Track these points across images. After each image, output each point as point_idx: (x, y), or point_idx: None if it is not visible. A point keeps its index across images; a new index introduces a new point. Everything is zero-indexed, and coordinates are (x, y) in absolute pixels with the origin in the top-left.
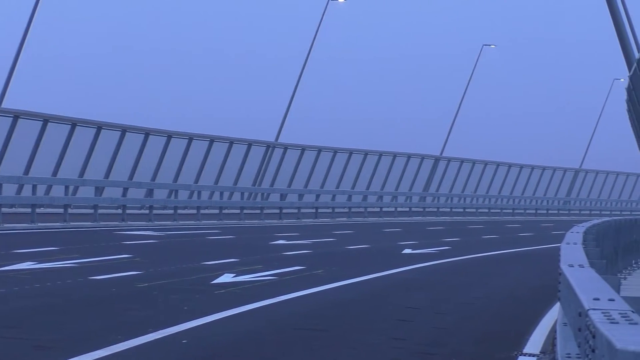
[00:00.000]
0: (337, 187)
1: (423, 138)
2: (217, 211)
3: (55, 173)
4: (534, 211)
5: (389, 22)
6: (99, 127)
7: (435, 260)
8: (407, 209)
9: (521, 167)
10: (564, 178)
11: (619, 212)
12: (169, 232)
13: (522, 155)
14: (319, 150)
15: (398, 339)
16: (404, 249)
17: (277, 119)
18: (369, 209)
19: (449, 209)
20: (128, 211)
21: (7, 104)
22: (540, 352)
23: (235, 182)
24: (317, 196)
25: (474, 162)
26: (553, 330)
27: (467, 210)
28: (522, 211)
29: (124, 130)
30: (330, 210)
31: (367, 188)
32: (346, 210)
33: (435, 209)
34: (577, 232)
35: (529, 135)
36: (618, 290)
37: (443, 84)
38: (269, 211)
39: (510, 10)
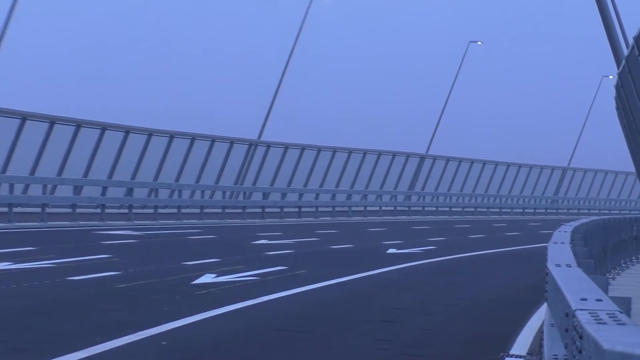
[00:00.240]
0: (321, 185)
1: (408, 136)
2: (198, 210)
3: (33, 172)
4: (521, 210)
5: (374, 19)
6: (78, 125)
7: (420, 260)
8: (392, 208)
9: (508, 165)
10: (551, 176)
11: (607, 211)
12: (149, 232)
13: (509, 154)
14: (302, 148)
15: (383, 340)
16: (388, 249)
17: (260, 117)
18: (353, 208)
19: (434, 208)
20: (107, 210)
21: None
22: (528, 354)
23: (217, 181)
24: (301, 195)
25: (460, 161)
26: (540, 331)
27: (453, 209)
28: (509, 210)
29: (103, 128)
30: (313, 209)
31: (352, 187)
32: (330, 209)
33: (420, 208)
34: (565, 232)
35: (516, 133)
36: (606, 290)
37: (429, 81)
38: (251, 210)
39: (497, 7)
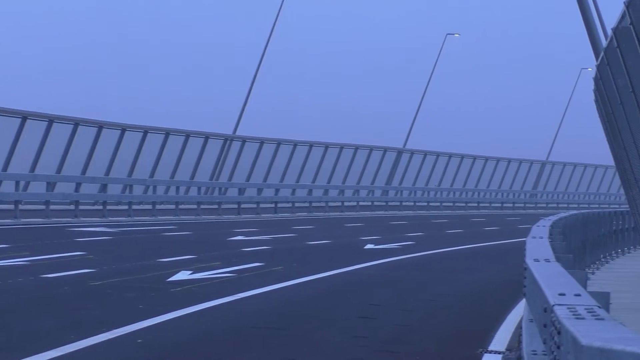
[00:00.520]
0: (297, 181)
1: (386, 130)
2: (173, 206)
3: (5, 168)
4: (499, 205)
5: (350, 12)
6: (51, 120)
7: (398, 256)
8: (370, 203)
9: (486, 159)
10: (530, 170)
11: (587, 205)
12: (124, 229)
13: (487, 147)
14: (278, 143)
15: (360, 337)
16: (366, 245)
17: (235, 111)
18: (330, 204)
19: (412, 203)
20: (81, 207)
21: None
22: (506, 350)
23: (192, 177)
24: (277, 190)
25: (437, 155)
26: (519, 327)
27: (431, 204)
28: (488, 205)
29: (76, 123)
30: (290, 204)
31: (329, 182)
32: (307, 204)
33: (398, 203)
34: (544, 226)
35: (495, 126)
36: (585, 285)
37: (406, 74)
38: (227, 206)
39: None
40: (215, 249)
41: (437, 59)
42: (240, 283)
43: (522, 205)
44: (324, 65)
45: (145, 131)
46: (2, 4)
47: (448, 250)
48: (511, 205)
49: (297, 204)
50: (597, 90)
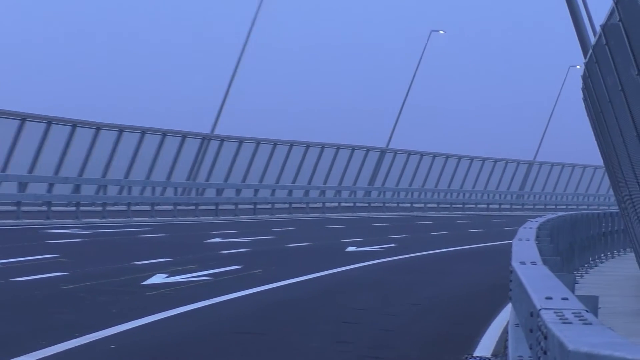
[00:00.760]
0: (277, 181)
1: (368, 129)
2: (148, 208)
3: None
4: (485, 206)
5: (332, 8)
6: (23, 119)
7: (381, 259)
8: (352, 204)
9: (472, 159)
10: (517, 171)
11: (575, 207)
12: (98, 230)
13: (472, 147)
14: (258, 142)
15: (342, 342)
16: (348, 247)
17: (213, 110)
18: (310, 205)
19: (395, 204)
20: (53, 208)
21: None
22: (492, 355)
23: (169, 177)
24: (256, 191)
25: (421, 155)
26: (505, 332)
27: (414, 205)
28: (473, 206)
29: (49, 122)
30: (269, 206)
31: (309, 182)
32: (287, 205)
33: (381, 204)
34: (531, 228)
35: (480, 126)
36: (573, 289)
37: (389, 72)
38: (205, 207)
39: None
40: (192, 251)
41: (421, 56)
42: (218, 287)
43: (508, 206)
44: (304, 62)
45: (120, 130)
46: None
47: (432, 253)
48: (497, 206)
49: (276, 205)
50: (586, 89)
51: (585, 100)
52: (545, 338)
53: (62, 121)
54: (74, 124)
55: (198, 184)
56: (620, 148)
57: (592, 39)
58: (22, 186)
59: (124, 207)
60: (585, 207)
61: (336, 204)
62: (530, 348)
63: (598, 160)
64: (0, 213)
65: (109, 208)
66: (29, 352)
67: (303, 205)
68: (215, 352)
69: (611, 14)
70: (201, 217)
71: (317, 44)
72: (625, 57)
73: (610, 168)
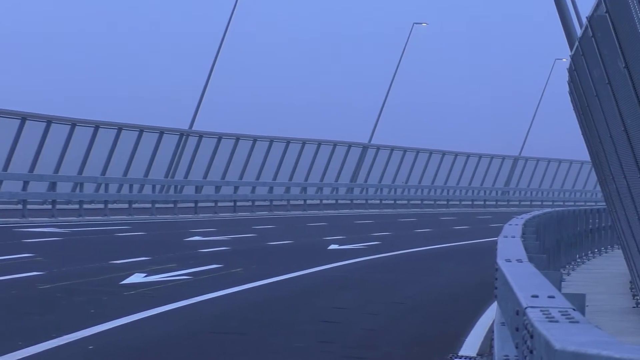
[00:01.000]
0: (258, 178)
1: (350, 124)
2: (126, 205)
3: None
4: (470, 202)
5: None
6: None
7: (364, 257)
8: (334, 202)
9: (456, 155)
10: (502, 166)
11: (561, 203)
12: (74, 229)
13: (456, 143)
14: (237, 138)
15: (325, 342)
16: (330, 245)
17: (192, 105)
18: (292, 202)
19: (378, 201)
20: (29, 206)
21: None
22: (477, 355)
23: (146, 174)
24: (236, 188)
25: (405, 150)
26: (491, 331)
27: (398, 202)
28: (458, 202)
29: (23, 118)
30: (250, 203)
31: (290, 179)
32: (267, 203)
33: (363, 201)
34: (516, 225)
35: (464, 120)
36: (559, 287)
37: (371, 66)
38: (183, 205)
39: None
40: (171, 250)
41: (403, 50)
42: (198, 286)
43: (493, 203)
44: (284, 57)
45: (97, 126)
46: None
47: (416, 251)
48: (482, 203)
49: (257, 203)
50: (572, 82)
51: (571, 93)
52: (532, 337)
53: (36, 117)
54: (49, 120)
55: (176, 181)
56: (608, 142)
57: (579, 31)
58: None
59: (101, 205)
60: (572, 203)
61: (318, 201)
62: (517, 347)
63: (585, 156)
64: None
65: (85, 206)
66: (5, 354)
67: (284, 202)
68: (195, 352)
69: (597, 5)
70: (180, 215)
71: (297, 38)
72: (612, 50)
73: (597, 163)
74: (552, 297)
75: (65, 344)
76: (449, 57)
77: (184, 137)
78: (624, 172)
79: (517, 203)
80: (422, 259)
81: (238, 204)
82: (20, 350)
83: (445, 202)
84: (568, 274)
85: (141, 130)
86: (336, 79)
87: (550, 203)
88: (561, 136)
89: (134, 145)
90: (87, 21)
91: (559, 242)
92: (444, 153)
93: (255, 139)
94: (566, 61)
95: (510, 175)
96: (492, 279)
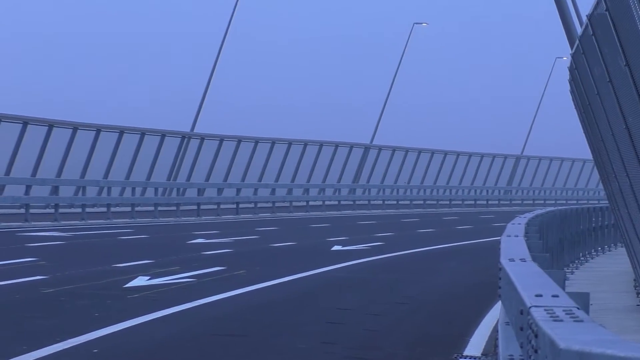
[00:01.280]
0: (260, 180)
1: (352, 125)
2: (129, 209)
3: None
4: (472, 202)
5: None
6: None
7: (367, 257)
8: (336, 203)
9: (458, 154)
10: (504, 165)
11: (564, 201)
12: (77, 233)
13: (459, 142)
14: (239, 140)
15: (328, 343)
16: (333, 246)
17: (193, 108)
18: (294, 203)
19: (381, 202)
20: (31, 210)
21: None
22: (482, 354)
23: (149, 177)
24: (238, 190)
25: (406, 151)
26: (495, 330)
27: (400, 202)
28: (460, 202)
29: (25, 122)
30: (252, 205)
31: (292, 180)
32: (270, 205)
33: (366, 202)
34: (519, 224)
35: (466, 120)
36: (563, 286)
37: (372, 66)
38: (186, 208)
39: None
40: (174, 252)
41: (404, 50)
42: (201, 288)
43: (496, 202)
44: (285, 58)
45: (98, 129)
46: None
47: (419, 251)
48: (485, 202)
49: (259, 204)
50: (573, 80)
51: (572, 92)
52: (536, 336)
53: (38, 121)
54: (51, 124)
55: (179, 184)
56: (609, 140)
57: (579, 30)
58: None
59: (103, 209)
60: (575, 201)
61: (320, 202)
62: (521, 347)
63: (587, 154)
64: None
65: (88, 209)
66: (9, 358)
67: (287, 204)
68: (199, 355)
69: (598, 3)
70: (183, 218)
71: (298, 39)
72: (613, 48)
73: (600, 161)
74: (556, 296)
75: (70, 347)
76: (450, 57)
77: (186, 139)
78: (626, 169)
79: (519, 202)
80: (425, 259)
81: (240, 206)
82: (25, 355)
83: (447, 202)
84: (572, 273)
85: (143, 133)
86: (337, 79)
87: (553, 202)
88: (563, 135)
89: (135, 149)
90: (87, 24)
91: (562, 241)
92: (446, 153)
93: (257, 141)
94: (567, 60)
95: (512, 174)
96: (496, 279)
